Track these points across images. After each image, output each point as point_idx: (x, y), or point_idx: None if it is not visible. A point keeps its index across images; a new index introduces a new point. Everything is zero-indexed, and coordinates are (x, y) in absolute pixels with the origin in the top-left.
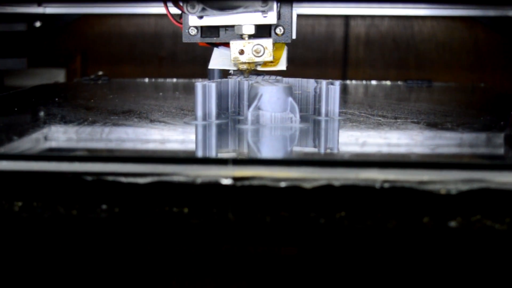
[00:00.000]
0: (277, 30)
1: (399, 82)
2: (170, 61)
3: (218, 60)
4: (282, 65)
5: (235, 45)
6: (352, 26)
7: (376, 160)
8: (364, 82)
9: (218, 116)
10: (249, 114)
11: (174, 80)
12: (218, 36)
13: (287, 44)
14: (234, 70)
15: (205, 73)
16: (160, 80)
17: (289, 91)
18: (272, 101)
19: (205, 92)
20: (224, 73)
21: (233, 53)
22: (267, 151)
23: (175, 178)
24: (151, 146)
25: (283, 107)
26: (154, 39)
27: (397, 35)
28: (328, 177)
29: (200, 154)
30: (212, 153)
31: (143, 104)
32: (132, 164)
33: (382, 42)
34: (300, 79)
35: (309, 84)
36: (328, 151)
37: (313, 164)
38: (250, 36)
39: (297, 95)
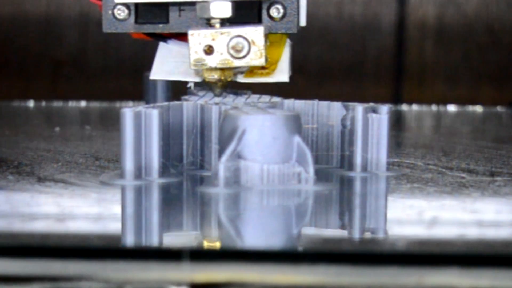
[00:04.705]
0: (273, 11)
1: (498, 108)
2: (76, 69)
3: (167, 65)
4: (282, 74)
5: (198, 37)
6: (413, 5)
7: (455, 253)
8: (434, 107)
9: (164, 170)
10: (221, 167)
11: (82, 103)
12: (166, 21)
13: (291, 37)
14: (195, 83)
15: (141, 91)
16: (57, 104)
17: (295, 124)
18: (263, 142)
19: (140, 126)
20: (178, 89)
21: (194, 51)
22: (254, 236)
23: (83, 286)
24: (39, 226)
25: (284, 154)
26: (45, 27)
27: (496, 21)
28: (368, 283)
29: (129, 242)
30: (153, 241)
31: (24, 148)
32: (4, 261)
33: (467, 33)
34: (315, 101)
35: (333, 111)
36: (368, 235)
37: (341, 259)
38: (224, 22)
39: (311, 131)
